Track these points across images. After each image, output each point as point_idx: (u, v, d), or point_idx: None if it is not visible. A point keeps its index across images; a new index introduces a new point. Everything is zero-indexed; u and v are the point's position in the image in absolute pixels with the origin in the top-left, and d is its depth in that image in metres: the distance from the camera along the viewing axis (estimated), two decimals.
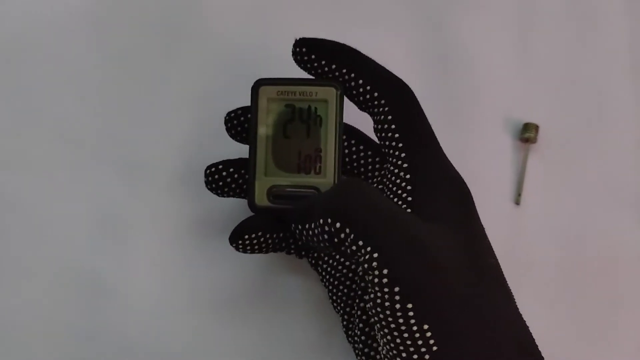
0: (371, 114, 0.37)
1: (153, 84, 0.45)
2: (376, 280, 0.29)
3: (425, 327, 0.29)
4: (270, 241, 0.37)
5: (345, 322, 0.38)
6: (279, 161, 0.37)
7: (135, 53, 0.46)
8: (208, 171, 0.39)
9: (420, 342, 0.30)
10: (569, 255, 0.43)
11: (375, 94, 0.36)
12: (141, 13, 0.46)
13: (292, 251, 0.39)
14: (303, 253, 0.39)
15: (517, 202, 0.44)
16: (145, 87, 0.45)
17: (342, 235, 0.31)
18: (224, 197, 0.39)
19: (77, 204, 0.43)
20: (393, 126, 0.35)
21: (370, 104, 0.36)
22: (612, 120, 0.45)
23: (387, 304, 0.29)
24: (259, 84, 0.37)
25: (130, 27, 0.46)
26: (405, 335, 0.30)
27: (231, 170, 0.38)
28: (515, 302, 0.34)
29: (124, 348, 0.41)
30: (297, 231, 0.34)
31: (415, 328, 0.29)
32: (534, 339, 0.33)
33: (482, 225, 0.35)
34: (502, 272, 0.34)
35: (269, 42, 0.46)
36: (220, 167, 0.38)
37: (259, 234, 0.36)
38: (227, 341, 0.41)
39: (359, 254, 0.30)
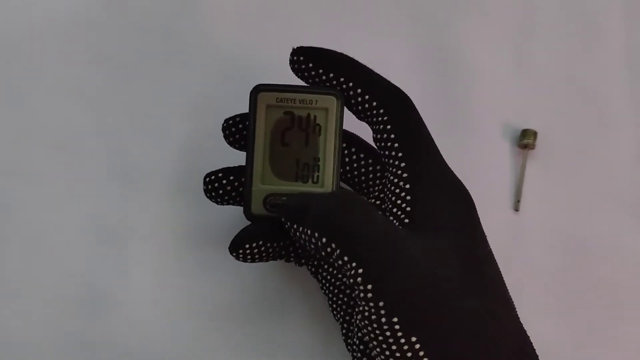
0: (370, 123, 0.36)
1: (152, 92, 0.45)
2: (362, 295, 0.30)
3: (413, 339, 0.30)
4: (270, 250, 0.37)
5: (344, 331, 0.38)
6: (276, 169, 0.36)
7: (135, 61, 0.46)
8: (207, 179, 0.38)
9: (409, 354, 0.30)
10: (569, 261, 0.43)
11: (374, 103, 0.35)
12: (141, 20, 0.46)
13: (292, 259, 0.39)
14: (303, 261, 0.39)
15: (516, 209, 0.44)
16: (144, 95, 0.45)
17: (329, 250, 0.31)
18: (224, 205, 0.39)
19: (76, 211, 0.43)
20: (392, 135, 0.35)
21: (368, 113, 0.36)
22: (610, 126, 0.45)
23: (373, 317, 0.30)
24: (257, 90, 0.36)
25: (130, 34, 0.46)
26: (394, 347, 0.30)
27: (231, 178, 0.38)
28: (515, 311, 0.33)
29: (123, 356, 0.41)
30: (287, 227, 0.34)
31: (403, 340, 0.30)
32: (533, 349, 0.33)
33: (484, 234, 0.35)
34: (502, 280, 0.34)
35: (268, 49, 0.46)
36: (220, 175, 0.38)
37: (260, 242, 0.36)
38: (226, 349, 0.41)
39: (345, 268, 0.31)
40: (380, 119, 0.35)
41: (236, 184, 0.38)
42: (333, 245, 0.31)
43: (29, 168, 0.44)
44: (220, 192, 0.38)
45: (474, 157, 0.44)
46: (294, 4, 0.47)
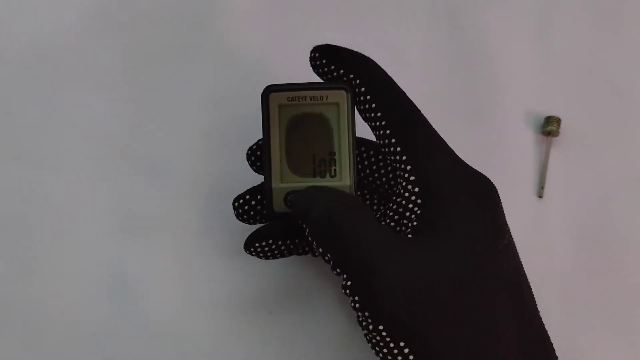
0: (372, 128, 0.36)
1: (176, 86, 0.46)
2: (352, 304, 0.32)
3: (402, 344, 0.31)
4: (283, 247, 0.38)
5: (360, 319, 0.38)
6: (293, 167, 0.37)
7: (158, 55, 0.47)
8: (236, 204, 0.39)
9: (400, 358, 0.31)
10: (592, 247, 0.43)
11: (373, 105, 0.35)
12: (163, 16, 0.47)
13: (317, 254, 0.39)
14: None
15: (540, 195, 0.44)
16: (168, 89, 0.46)
17: (326, 258, 0.33)
18: (256, 224, 0.39)
19: (102, 201, 0.44)
20: (393, 140, 0.35)
21: (368, 115, 0.36)
22: (634, 112, 0.45)
23: (364, 324, 0.32)
24: (268, 91, 0.37)
25: (154, 32, 0.47)
26: (385, 350, 0.32)
27: (258, 197, 0.38)
28: (530, 305, 0.33)
29: (148, 343, 0.42)
30: (300, 221, 0.35)
31: (392, 345, 0.31)
32: (544, 342, 0.33)
33: (504, 224, 0.34)
34: (519, 272, 0.34)
35: (287, 41, 0.46)
36: (247, 197, 0.39)
37: (270, 241, 0.37)
38: (248, 338, 0.42)
39: (341, 276, 0.32)
40: (379, 123, 0.35)
41: (264, 202, 0.38)
42: (329, 256, 0.33)
43: (57, 160, 0.45)
44: (252, 213, 0.39)
45: (498, 145, 0.45)
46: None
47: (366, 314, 0.31)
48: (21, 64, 0.47)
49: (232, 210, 0.39)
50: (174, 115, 0.46)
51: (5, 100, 0.46)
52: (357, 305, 0.32)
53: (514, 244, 0.35)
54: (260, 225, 0.39)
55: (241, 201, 0.39)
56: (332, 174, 0.37)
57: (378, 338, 0.31)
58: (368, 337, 0.32)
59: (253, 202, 0.38)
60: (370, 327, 0.31)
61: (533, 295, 0.34)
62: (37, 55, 0.47)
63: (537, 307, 0.34)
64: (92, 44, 0.47)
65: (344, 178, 0.36)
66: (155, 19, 0.47)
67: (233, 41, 0.47)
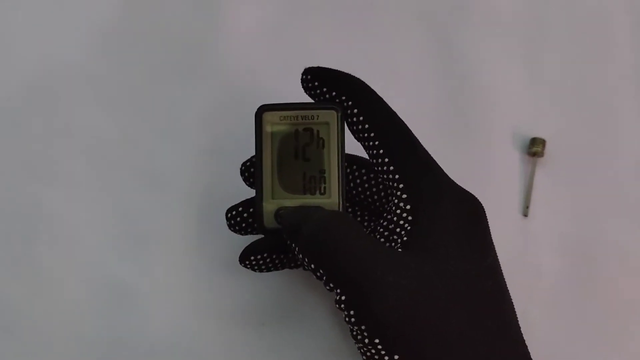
0: (364, 147, 0.37)
1: (175, 103, 0.47)
2: (347, 319, 0.32)
3: (396, 357, 0.31)
4: (277, 261, 0.39)
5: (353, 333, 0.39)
6: (284, 183, 0.38)
7: (158, 71, 0.48)
8: (229, 214, 0.40)
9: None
10: (576, 266, 0.44)
11: (366, 126, 0.36)
12: (164, 33, 0.48)
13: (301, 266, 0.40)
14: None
15: (525, 214, 0.45)
16: (167, 105, 0.47)
17: (318, 274, 0.33)
18: (247, 235, 0.40)
19: (102, 213, 0.45)
20: (386, 159, 0.35)
21: (361, 135, 0.36)
22: (617, 134, 0.46)
23: (359, 337, 0.32)
24: (262, 110, 0.38)
25: (156, 51, 0.48)
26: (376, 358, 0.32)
27: (251, 209, 0.39)
28: (513, 324, 0.34)
29: (144, 352, 0.43)
30: (289, 242, 0.35)
31: (387, 358, 0.32)
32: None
33: (490, 243, 0.35)
34: (504, 291, 0.34)
35: (286, 59, 0.47)
36: (240, 208, 0.39)
37: (264, 255, 0.38)
38: (241, 349, 0.43)
39: (333, 291, 0.33)
40: (372, 143, 0.36)
41: (255, 217, 0.39)
42: (321, 271, 0.33)
43: (60, 172, 0.46)
44: (243, 224, 0.39)
45: (484, 165, 0.45)
46: (311, 19, 0.49)
47: (362, 327, 0.32)
48: (27, 79, 0.47)
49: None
50: (173, 131, 0.46)
51: (11, 113, 0.47)
52: (353, 319, 0.32)
53: (499, 263, 0.35)
54: (253, 237, 0.40)
55: (234, 212, 0.39)
56: (322, 191, 0.37)
57: (373, 351, 0.32)
58: (362, 350, 0.33)
59: (245, 215, 0.39)
60: (366, 340, 0.32)
61: (515, 313, 0.35)
62: (42, 71, 0.48)
63: (520, 326, 0.34)
64: (95, 62, 0.48)
65: (333, 195, 0.37)
66: (157, 39, 0.48)
67: (231, 60, 0.48)
